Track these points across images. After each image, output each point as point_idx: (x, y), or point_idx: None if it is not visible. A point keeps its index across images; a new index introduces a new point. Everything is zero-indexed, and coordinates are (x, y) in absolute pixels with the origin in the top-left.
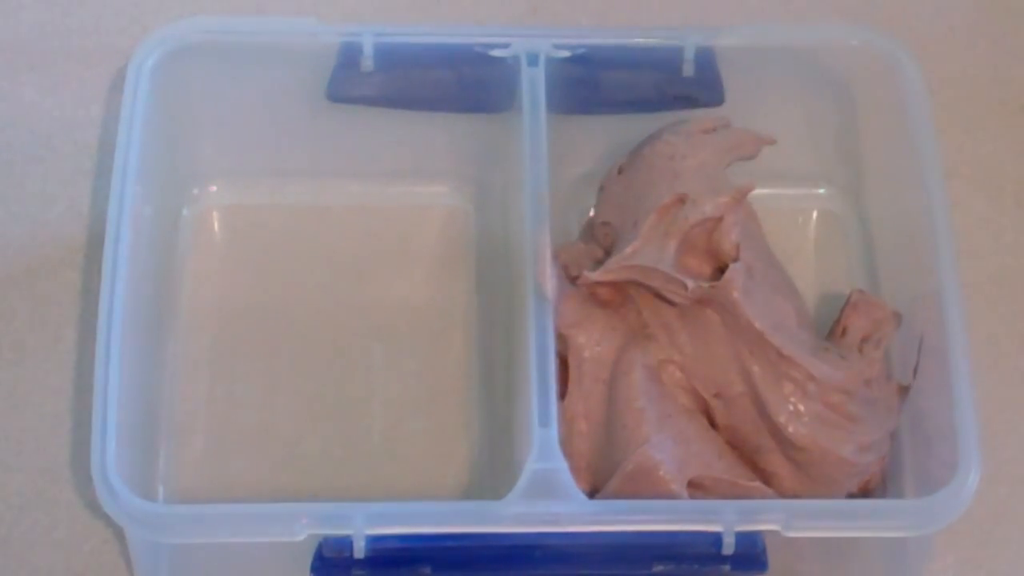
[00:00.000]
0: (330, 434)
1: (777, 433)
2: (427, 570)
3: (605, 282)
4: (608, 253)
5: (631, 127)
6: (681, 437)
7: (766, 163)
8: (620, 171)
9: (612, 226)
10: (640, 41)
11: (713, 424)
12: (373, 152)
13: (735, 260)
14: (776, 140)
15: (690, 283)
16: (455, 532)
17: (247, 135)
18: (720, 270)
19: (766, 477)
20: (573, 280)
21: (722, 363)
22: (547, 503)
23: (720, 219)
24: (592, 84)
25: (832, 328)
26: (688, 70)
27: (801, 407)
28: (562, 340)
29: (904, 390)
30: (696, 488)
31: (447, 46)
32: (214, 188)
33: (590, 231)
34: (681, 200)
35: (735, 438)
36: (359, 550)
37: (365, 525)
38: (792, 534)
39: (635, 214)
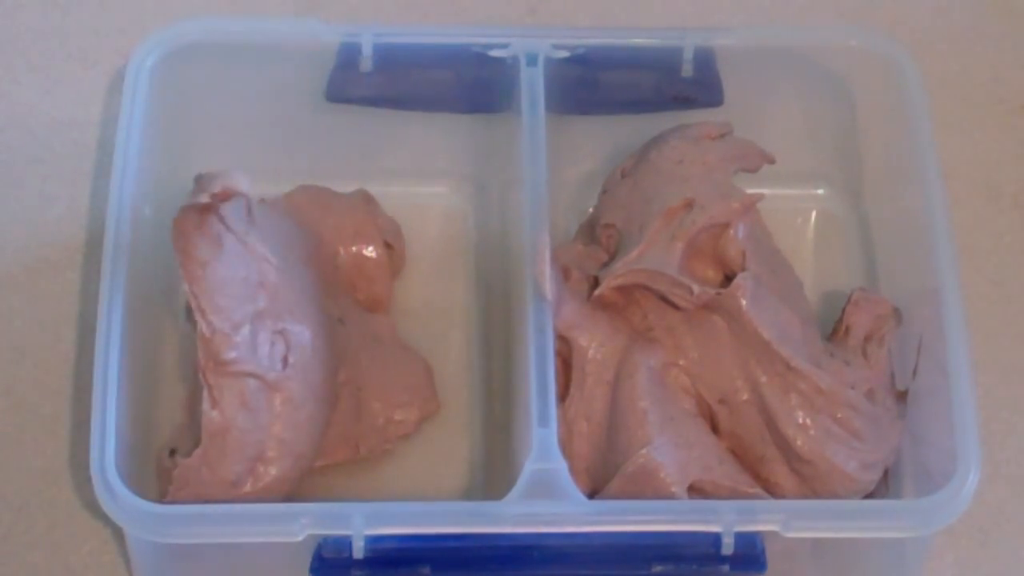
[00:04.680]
0: None
1: (783, 444)
2: (426, 570)
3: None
4: (611, 255)
5: (630, 127)
6: (683, 441)
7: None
8: (624, 174)
9: (616, 228)
10: (639, 41)
11: (716, 430)
12: (372, 152)
13: (742, 268)
14: (776, 160)
15: (696, 288)
16: (454, 532)
17: (246, 135)
18: (727, 277)
19: (768, 487)
20: (592, 287)
21: (728, 369)
22: (546, 503)
23: (727, 224)
24: (591, 84)
25: (835, 327)
26: (687, 70)
27: (809, 420)
28: (563, 342)
29: (903, 395)
30: (697, 492)
31: (446, 46)
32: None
33: (589, 232)
34: (688, 204)
35: (738, 445)
36: (358, 550)
37: (364, 525)
38: (791, 535)
39: (641, 217)
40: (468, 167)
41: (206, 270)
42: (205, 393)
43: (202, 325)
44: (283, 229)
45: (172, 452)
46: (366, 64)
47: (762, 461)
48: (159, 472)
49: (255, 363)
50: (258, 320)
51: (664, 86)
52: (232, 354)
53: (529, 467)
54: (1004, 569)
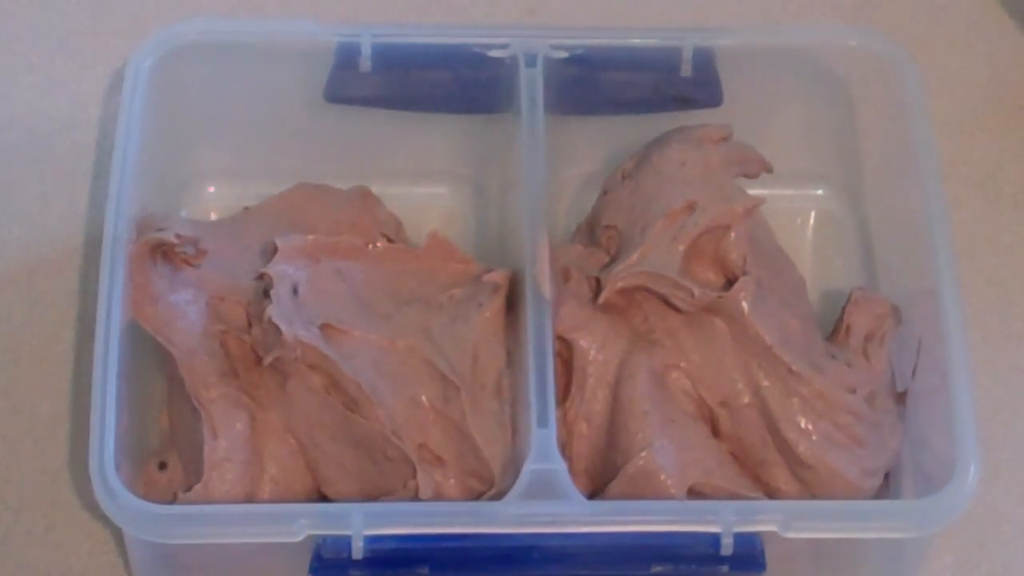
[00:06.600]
0: None
1: (785, 448)
2: (425, 571)
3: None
4: (612, 257)
5: (629, 128)
6: (684, 443)
7: None
8: (624, 176)
9: (617, 230)
10: (638, 42)
11: (717, 433)
12: (371, 153)
13: (744, 271)
14: (773, 169)
15: (697, 291)
16: (454, 533)
17: (245, 136)
18: (728, 280)
19: (769, 491)
20: (592, 289)
21: (729, 372)
22: (546, 504)
23: (728, 227)
24: (590, 85)
25: (835, 327)
26: (686, 70)
27: (811, 425)
28: (564, 343)
29: (902, 396)
30: (696, 495)
31: (445, 47)
32: (212, 189)
33: (588, 233)
34: (690, 207)
35: (739, 449)
36: (357, 551)
37: (363, 525)
38: (790, 535)
39: (643, 219)
40: (468, 167)
41: (158, 305)
42: (204, 424)
43: (175, 354)
44: (256, 237)
45: (161, 465)
46: (365, 64)
47: (763, 465)
48: (148, 483)
49: (241, 381)
50: (226, 335)
51: (663, 86)
52: (213, 377)
53: (528, 467)
54: (1004, 569)
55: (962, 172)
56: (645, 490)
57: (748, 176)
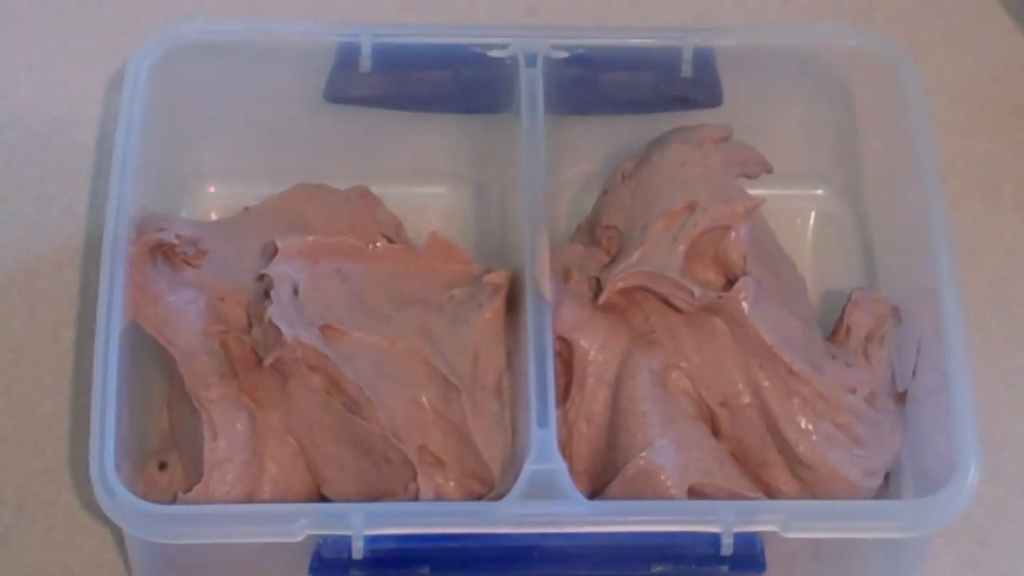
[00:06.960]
0: None
1: (786, 449)
2: (425, 571)
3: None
4: (612, 257)
5: (629, 128)
6: (684, 443)
7: None
8: (625, 176)
9: (617, 230)
10: (638, 42)
11: (717, 433)
12: (371, 153)
13: (744, 271)
14: (773, 170)
15: (697, 291)
16: (454, 533)
17: (245, 136)
18: (729, 280)
19: (769, 492)
20: (592, 289)
21: (729, 373)
22: (546, 504)
23: (728, 227)
24: (590, 85)
25: (835, 327)
26: (686, 71)
27: (811, 425)
28: (564, 343)
29: (902, 396)
30: (697, 495)
31: (445, 47)
32: (212, 189)
33: (588, 233)
34: (690, 207)
35: (739, 449)
36: (357, 551)
37: (364, 525)
38: (790, 535)
39: (643, 219)
40: (468, 167)
41: (158, 305)
42: (204, 424)
43: (175, 354)
44: (256, 238)
45: (161, 465)
46: (365, 64)
47: (763, 466)
48: (148, 483)
49: (239, 380)
50: (226, 335)
51: (663, 86)
52: (213, 377)
53: (528, 467)
54: (1004, 569)
55: (962, 172)
56: (645, 490)
57: (748, 176)
